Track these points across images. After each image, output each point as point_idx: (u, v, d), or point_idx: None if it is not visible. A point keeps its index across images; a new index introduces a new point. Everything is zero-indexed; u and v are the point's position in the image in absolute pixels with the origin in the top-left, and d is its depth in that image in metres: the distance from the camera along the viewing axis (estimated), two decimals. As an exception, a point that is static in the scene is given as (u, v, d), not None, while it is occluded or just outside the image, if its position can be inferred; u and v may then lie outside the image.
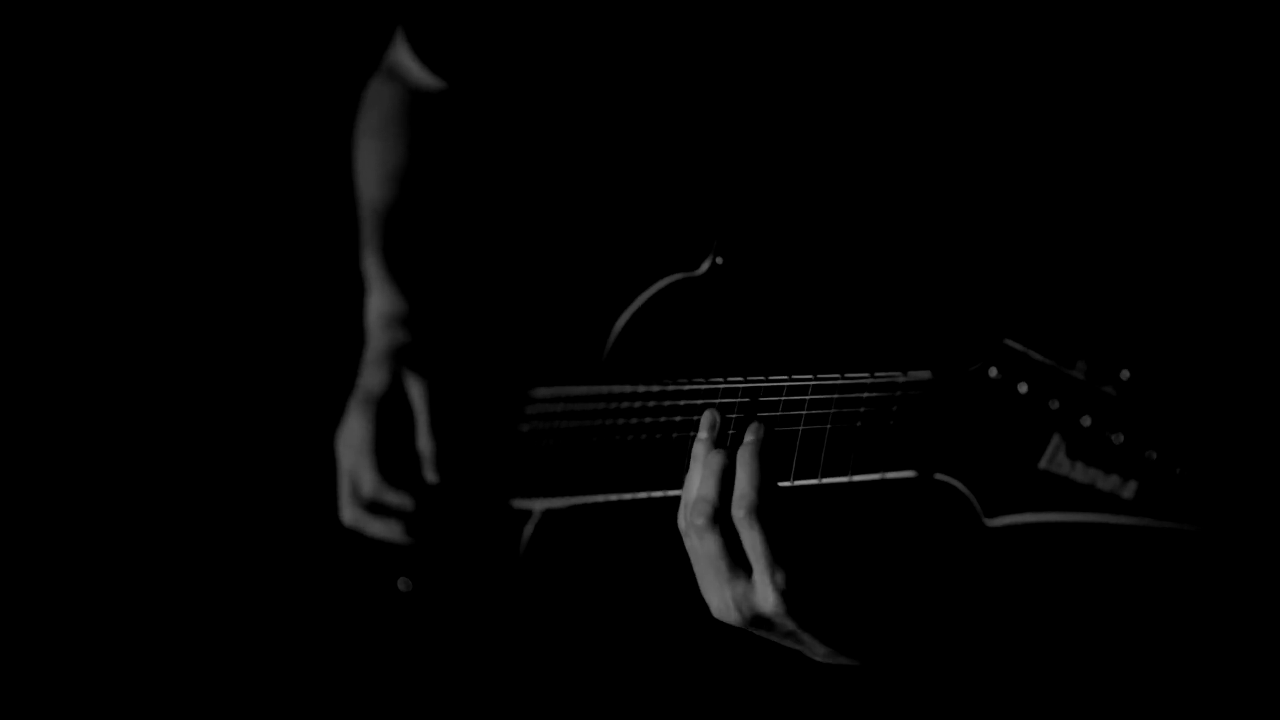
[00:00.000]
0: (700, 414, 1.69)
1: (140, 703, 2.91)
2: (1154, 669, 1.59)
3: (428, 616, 2.15)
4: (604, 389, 1.89)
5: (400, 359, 2.22)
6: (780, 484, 1.54)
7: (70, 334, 3.00)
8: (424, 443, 2.18)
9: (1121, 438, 1.19)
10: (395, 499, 2.16)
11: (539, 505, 2.01)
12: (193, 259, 3.04)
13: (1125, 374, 1.23)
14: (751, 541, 1.53)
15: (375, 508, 2.17)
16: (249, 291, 3.05)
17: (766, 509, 1.53)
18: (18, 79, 2.94)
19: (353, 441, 2.20)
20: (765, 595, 1.52)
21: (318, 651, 2.67)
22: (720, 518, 1.56)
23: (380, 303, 2.29)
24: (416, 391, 2.19)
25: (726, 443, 1.63)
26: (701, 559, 1.59)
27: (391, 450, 2.18)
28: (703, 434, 1.64)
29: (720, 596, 1.58)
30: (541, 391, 2.05)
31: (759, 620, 1.56)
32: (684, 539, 1.61)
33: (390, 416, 2.19)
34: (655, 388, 1.79)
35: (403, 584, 2.17)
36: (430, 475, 2.17)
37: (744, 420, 1.62)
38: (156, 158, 3.02)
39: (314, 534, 2.23)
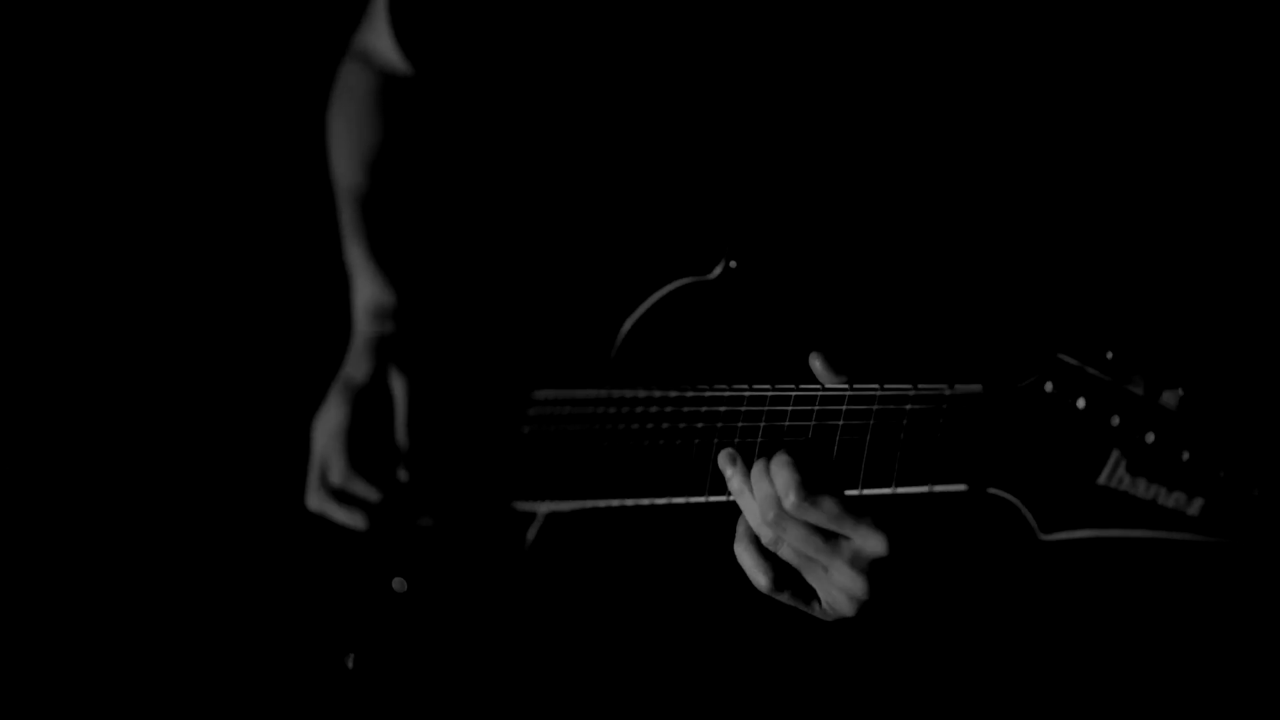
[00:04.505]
0: (722, 421, 1.68)
1: (125, 701, 2.88)
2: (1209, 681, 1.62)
3: (428, 616, 2.13)
4: (614, 392, 1.88)
5: (384, 351, 2.20)
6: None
7: (68, 329, 2.97)
8: (399, 439, 2.17)
9: (1188, 455, 1.21)
10: (362, 489, 2.15)
11: (543, 508, 2.00)
12: (171, 247, 3.00)
13: (1181, 390, 1.24)
14: (821, 515, 1.50)
15: (342, 496, 2.15)
16: (231, 279, 3.02)
17: (816, 487, 1.51)
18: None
19: (327, 428, 2.18)
20: (868, 536, 1.49)
21: (311, 650, 2.64)
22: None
23: (367, 293, 2.27)
24: (399, 386, 2.18)
25: (755, 453, 1.61)
26: (797, 554, 1.55)
27: (366, 441, 2.16)
28: (730, 474, 1.62)
29: (841, 573, 1.53)
30: (544, 393, 2.04)
31: (876, 568, 1.51)
32: (761, 550, 1.58)
33: (369, 407, 2.17)
34: (673, 393, 1.78)
35: (398, 584, 2.16)
36: (401, 473, 2.16)
37: (771, 429, 1.61)
38: (135, 146, 2.98)
39: (308, 530, 2.21)
